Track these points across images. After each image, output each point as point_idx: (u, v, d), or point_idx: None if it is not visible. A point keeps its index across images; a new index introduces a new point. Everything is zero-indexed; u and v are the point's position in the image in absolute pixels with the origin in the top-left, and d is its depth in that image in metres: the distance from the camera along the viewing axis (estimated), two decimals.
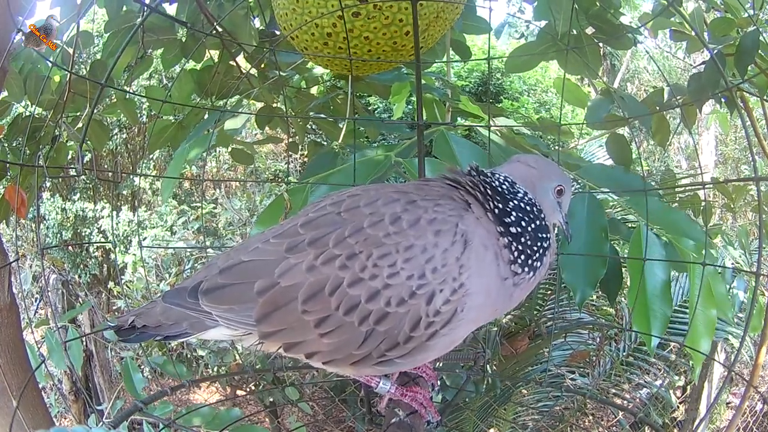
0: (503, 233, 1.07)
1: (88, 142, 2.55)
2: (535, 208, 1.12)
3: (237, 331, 1.12)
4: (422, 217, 1.04)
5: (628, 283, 1.79)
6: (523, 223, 1.09)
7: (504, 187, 1.13)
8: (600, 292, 1.96)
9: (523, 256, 1.07)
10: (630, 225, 2.35)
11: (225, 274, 1.10)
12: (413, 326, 1.02)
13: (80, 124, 2.52)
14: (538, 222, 1.11)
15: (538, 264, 1.10)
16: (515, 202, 1.11)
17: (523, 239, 1.08)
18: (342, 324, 1.02)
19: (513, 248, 1.07)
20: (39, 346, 2.06)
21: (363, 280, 1.01)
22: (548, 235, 1.13)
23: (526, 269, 1.08)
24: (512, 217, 1.09)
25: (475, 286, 1.03)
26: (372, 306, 1.01)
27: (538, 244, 1.10)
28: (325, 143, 2.92)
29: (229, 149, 2.78)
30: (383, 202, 1.07)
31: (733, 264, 3.73)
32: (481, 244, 1.05)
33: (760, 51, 2.08)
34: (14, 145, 2.67)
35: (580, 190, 1.88)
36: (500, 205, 1.09)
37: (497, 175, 1.16)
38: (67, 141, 2.69)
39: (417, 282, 1.01)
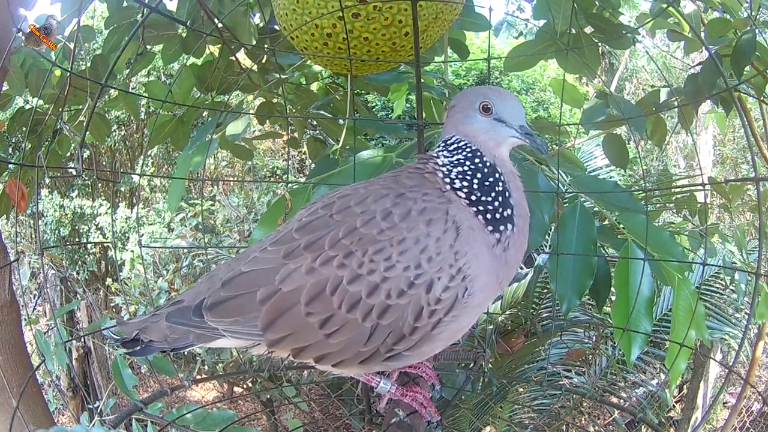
0: (468, 203, 1.09)
1: (89, 135, 2.54)
2: (467, 159, 1.13)
3: (245, 342, 1.13)
4: (412, 208, 1.06)
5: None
6: (465, 182, 1.11)
7: (444, 154, 1.16)
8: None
9: (488, 215, 1.09)
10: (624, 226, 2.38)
11: (226, 287, 1.10)
12: (416, 316, 1.03)
13: (81, 118, 2.52)
14: (480, 174, 1.12)
15: (508, 211, 1.10)
16: (457, 165, 1.13)
17: (474, 197, 1.09)
18: (346, 322, 1.04)
19: (477, 211, 1.09)
20: (35, 345, 2.06)
21: (361, 276, 1.03)
22: (498, 176, 1.12)
23: (501, 226, 1.09)
24: (457, 183, 1.11)
25: (475, 270, 1.05)
26: (373, 300, 1.03)
27: (491, 194, 1.10)
28: (324, 140, 2.92)
29: None
30: (373, 198, 1.09)
31: (732, 262, 3.74)
32: (468, 227, 1.07)
33: (756, 52, 2.09)
34: (14, 141, 2.67)
35: (575, 192, 1.89)
36: (449, 177, 1.12)
37: (438, 149, 1.18)
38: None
39: (414, 272, 1.02)
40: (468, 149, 1.14)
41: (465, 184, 1.10)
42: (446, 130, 1.19)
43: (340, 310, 1.03)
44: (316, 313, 1.04)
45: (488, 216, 1.08)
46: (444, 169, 1.14)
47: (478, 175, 1.11)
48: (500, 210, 1.09)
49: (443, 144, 1.17)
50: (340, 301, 1.03)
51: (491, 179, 1.11)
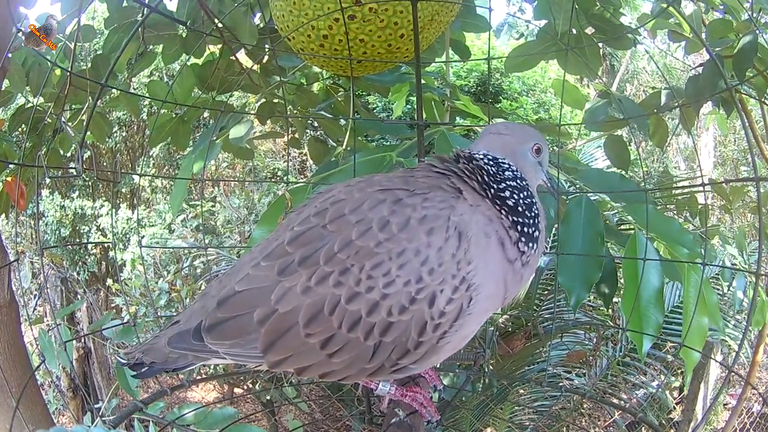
0: (504, 211, 1.07)
1: (89, 135, 2.54)
2: (518, 179, 1.13)
3: (248, 364, 1.10)
4: (411, 216, 1.01)
5: (622, 289, 1.80)
6: (515, 196, 1.09)
7: (490, 165, 1.13)
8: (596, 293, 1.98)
9: (525, 229, 1.07)
10: (626, 227, 2.37)
11: (223, 307, 1.07)
12: (420, 331, 1.00)
13: (82, 118, 2.52)
14: (525, 192, 1.12)
15: (537, 233, 1.10)
16: (505, 180, 1.11)
17: (519, 209, 1.08)
18: (348, 341, 1.00)
19: (517, 225, 1.07)
20: (36, 345, 2.06)
21: (360, 294, 0.99)
22: (535, 201, 1.13)
23: (531, 244, 1.08)
24: (507, 193, 1.09)
25: (481, 278, 1.01)
26: (374, 319, 0.99)
27: (531, 213, 1.10)
28: (325, 140, 2.92)
29: None
30: (369, 205, 1.04)
31: (732, 263, 3.74)
32: (482, 232, 1.03)
33: (758, 53, 2.08)
34: (15, 140, 2.67)
35: (578, 192, 1.88)
36: (494, 185, 1.09)
37: (478, 154, 1.16)
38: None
39: (415, 287, 0.98)
40: (518, 174, 1.14)
41: (514, 198, 1.09)
42: (493, 149, 1.17)
43: (340, 330, 0.99)
44: (316, 333, 1.00)
45: (525, 229, 1.07)
46: (487, 174, 1.12)
47: (524, 193, 1.11)
48: (533, 229, 1.09)
49: (490, 158, 1.15)
50: (340, 321, 0.99)
51: (531, 200, 1.12)
